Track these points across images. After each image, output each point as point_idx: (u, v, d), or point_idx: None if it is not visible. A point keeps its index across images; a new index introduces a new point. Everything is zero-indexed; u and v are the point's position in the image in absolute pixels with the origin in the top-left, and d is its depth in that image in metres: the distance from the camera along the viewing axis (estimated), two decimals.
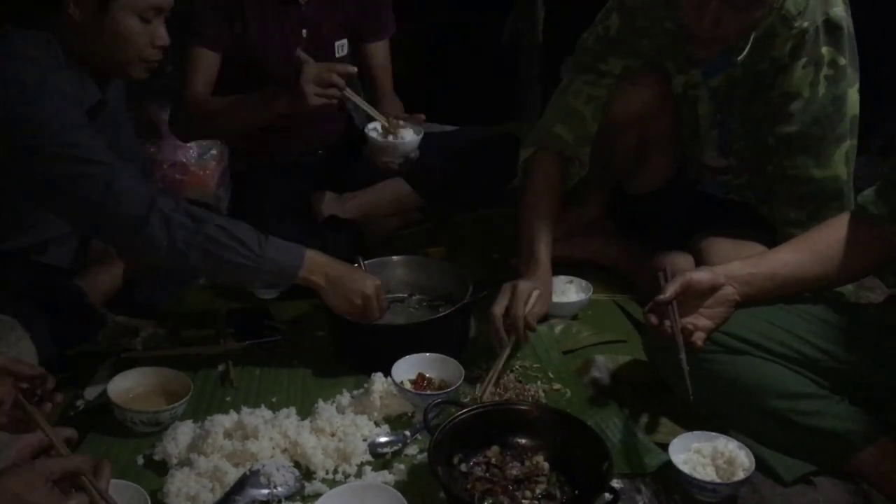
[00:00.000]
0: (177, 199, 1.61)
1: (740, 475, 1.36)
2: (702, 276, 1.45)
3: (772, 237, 1.82)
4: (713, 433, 1.43)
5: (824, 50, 1.68)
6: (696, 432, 1.44)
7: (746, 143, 1.88)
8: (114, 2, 1.54)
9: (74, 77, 1.59)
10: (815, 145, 1.74)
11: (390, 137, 2.05)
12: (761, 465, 1.40)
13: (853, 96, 1.73)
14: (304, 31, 2.13)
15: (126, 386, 1.59)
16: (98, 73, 1.64)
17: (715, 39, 1.66)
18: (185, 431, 1.49)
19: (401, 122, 2.07)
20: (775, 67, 1.73)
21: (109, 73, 1.66)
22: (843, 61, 1.69)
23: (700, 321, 1.45)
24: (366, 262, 1.88)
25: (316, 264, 1.66)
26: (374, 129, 2.08)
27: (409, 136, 2.07)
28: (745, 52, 1.71)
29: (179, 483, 1.37)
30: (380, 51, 2.31)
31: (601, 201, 2.20)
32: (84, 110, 1.59)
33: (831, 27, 1.68)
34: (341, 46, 2.21)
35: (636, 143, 2.01)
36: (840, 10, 1.69)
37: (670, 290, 1.42)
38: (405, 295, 1.95)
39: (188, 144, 2.18)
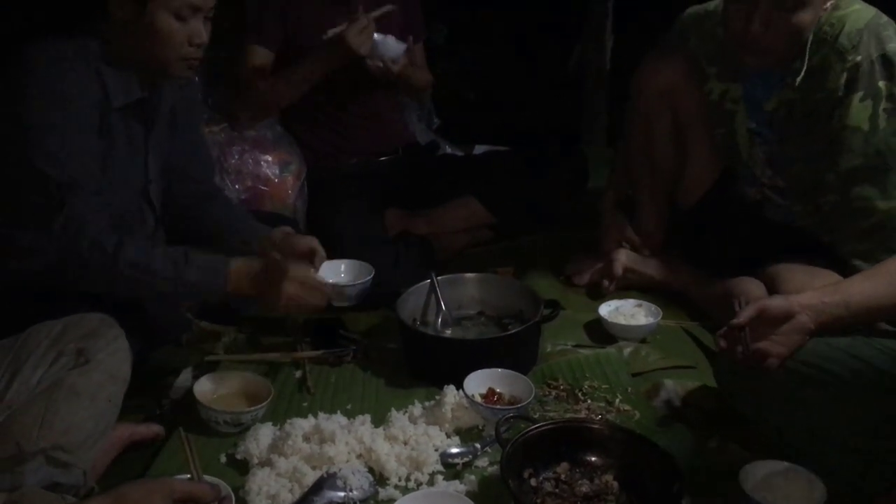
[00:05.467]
0: (100, 229, 1.58)
1: None
2: (776, 303, 1.45)
3: (843, 266, 1.83)
4: (785, 462, 1.43)
5: (881, 84, 1.73)
6: (767, 461, 1.44)
7: (803, 172, 1.91)
8: (150, 1, 1.57)
9: (110, 76, 1.62)
10: (879, 178, 1.77)
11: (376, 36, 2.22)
12: (829, 492, 1.39)
13: None
14: None
15: (210, 387, 1.66)
16: (145, 72, 1.67)
17: (765, 47, 1.73)
18: (265, 433, 1.55)
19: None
20: (831, 100, 1.78)
21: (155, 73, 1.68)
22: None
23: (774, 348, 1.45)
24: (438, 278, 1.94)
25: (240, 276, 1.66)
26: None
27: (391, 43, 2.26)
28: (801, 75, 1.77)
29: (260, 482, 1.43)
30: (417, 52, 2.49)
31: (657, 217, 2.23)
32: (99, 112, 1.60)
33: (887, 62, 1.73)
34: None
35: (671, 125, 2.08)
36: (895, 46, 1.73)
37: (744, 315, 1.43)
38: (474, 312, 2.00)
39: (270, 159, 2.29)
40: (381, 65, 2.27)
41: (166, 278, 1.61)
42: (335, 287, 1.83)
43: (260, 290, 1.68)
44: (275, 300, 1.68)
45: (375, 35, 2.23)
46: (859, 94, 1.74)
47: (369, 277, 1.87)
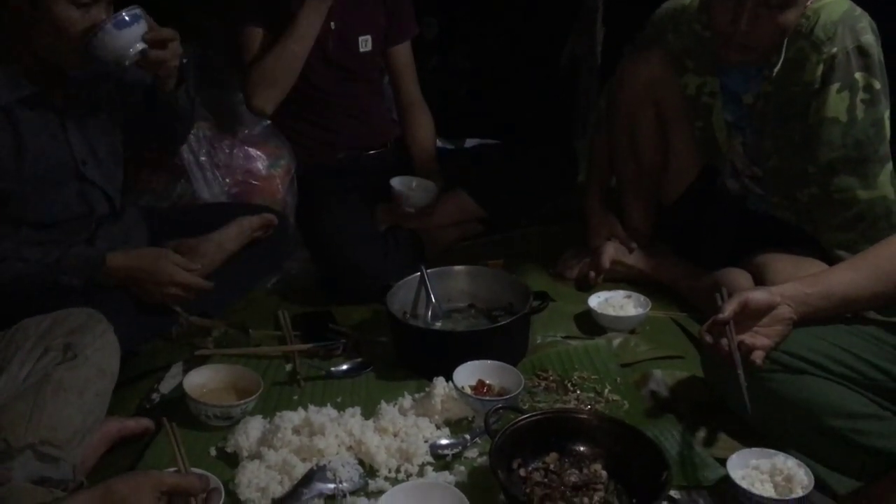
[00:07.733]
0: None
1: (798, 492, 1.36)
2: (758, 295, 1.46)
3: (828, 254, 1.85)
4: (771, 450, 1.44)
5: (858, 75, 1.75)
6: (754, 449, 1.45)
7: (780, 164, 1.92)
8: None
9: None
10: (859, 168, 1.79)
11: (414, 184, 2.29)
12: (816, 480, 1.40)
13: (887, 120, 1.78)
14: (332, 23, 2.26)
15: (200, 381, 1.66)
16: (40, 66, 1.62)
17: (749, 44, 1.74)
18: (255, 426, 1.56)
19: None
20: (808, 92, 1.79)
21: (58, 66, 1.64)
22: (877, 85, 1.76)
23: (759, 340, 1.46)
24: (428, 271, 1.94)
25: (116, 257, 1.74)
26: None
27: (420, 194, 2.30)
28: (778, 66, 1.78)
29: (250, 474, 1.43)
30: (403, 52, 2.45)
31: (643, 211, 2.23)
32: None
33: (863, 53, 1.74)
34: (365, 41, 2.35)
35: (654, 120, 2.07)
36: (870, 38, 1.75)
37: (728, 310, 1.43)
38: (464, 304, 2.00)
39: (259, 154, 2.29)
40: (412, 211, 2.27)
41: (41, 261, 1.65)
42: None
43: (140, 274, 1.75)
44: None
45: (398, 185, 2.26)
46: (836, 86, 1.75)
47: None
